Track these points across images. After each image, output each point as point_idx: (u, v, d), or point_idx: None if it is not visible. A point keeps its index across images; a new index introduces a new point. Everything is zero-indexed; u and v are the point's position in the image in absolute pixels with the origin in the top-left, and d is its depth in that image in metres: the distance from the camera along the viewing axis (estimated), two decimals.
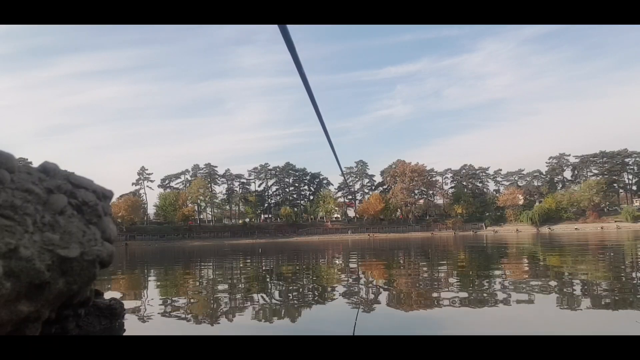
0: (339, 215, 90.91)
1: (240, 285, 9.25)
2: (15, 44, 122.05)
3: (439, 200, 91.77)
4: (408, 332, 4.36)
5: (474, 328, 4.52)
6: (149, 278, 12.42)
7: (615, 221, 70.33)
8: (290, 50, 1.49)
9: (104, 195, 4.42)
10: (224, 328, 4.86)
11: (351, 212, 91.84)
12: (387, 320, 5.14)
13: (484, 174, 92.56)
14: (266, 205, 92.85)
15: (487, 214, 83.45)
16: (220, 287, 9.14)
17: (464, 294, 6.75)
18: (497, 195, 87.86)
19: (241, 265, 16.34)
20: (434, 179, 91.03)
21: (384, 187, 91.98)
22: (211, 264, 17.38)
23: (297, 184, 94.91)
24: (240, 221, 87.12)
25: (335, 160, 2.98)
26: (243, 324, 5.02)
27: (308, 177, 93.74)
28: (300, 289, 8.18)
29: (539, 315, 5.03)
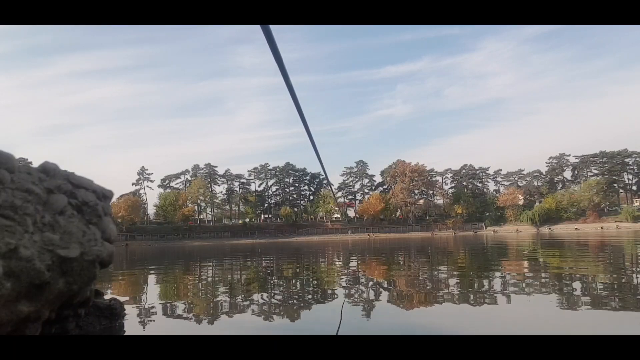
0: (338, 215, 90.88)
1: (239, 286, 9.24)
2: (13, 43, 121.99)
3: (439, 201, 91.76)
4: (396, 333, 4.35)
5: (472, 328, 4.51)
6: (149, 278, 12.42)
7: (615, 221, 70.29)
8: (274, 51, 1.49)
9: (104, 195, 4.42)
10: (223, 328, 4.86)
11: (351, 212, 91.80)
12: (378, 320, 5.13)
13: (484, 174, 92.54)
14: (266, 205, 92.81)
15: (487, 214, 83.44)
16: (220, 287, 9.14)
17: (464, 294, 6.75)
18: (497, 195, 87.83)
19: (241, 265, 16.34)
20: (434, 179, 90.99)
21: (384, 187, 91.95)
22: (211, 264, 17.37)
23: (297, 184, 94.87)
24: (240, 221, 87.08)
25: (320, 162, 2.97)
26: (239, 324, 5.02)
27: (308, 177, 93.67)
28: (299, 290, 8.18)
29: (539, 315, 5.03)
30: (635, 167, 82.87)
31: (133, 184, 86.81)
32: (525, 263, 12.78)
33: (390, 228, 79.42)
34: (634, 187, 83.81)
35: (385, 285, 8.43)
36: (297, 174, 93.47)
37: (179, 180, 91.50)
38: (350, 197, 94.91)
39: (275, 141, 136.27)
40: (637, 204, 79.24)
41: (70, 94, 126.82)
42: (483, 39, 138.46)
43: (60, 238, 3.43)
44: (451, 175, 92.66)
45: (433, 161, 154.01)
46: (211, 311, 6.09)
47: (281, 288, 8.45)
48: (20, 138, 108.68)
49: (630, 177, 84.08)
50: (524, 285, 7.46)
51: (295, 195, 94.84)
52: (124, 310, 5.15)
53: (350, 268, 13.38)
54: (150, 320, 5.37)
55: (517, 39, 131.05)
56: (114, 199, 5.43)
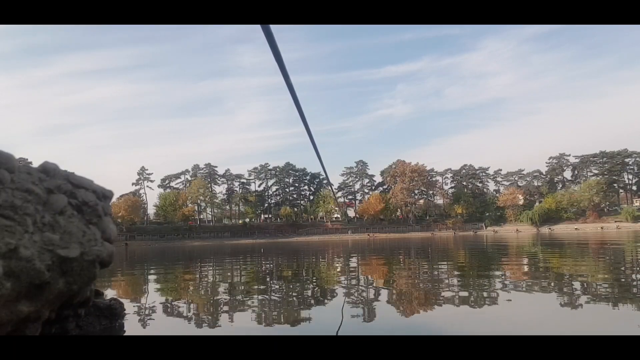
0: (338, 215, 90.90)
1: (240, 286, 9.24)
2: (13, 42, 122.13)
3: (439, 200, 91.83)
4: (396, 333, 4.35)
5: (472, 328, 4.51)
6: (149, 278, 12.42)
7: (615, 221, 70.32)
8: (274, 51, 1.49)
9: (104, 195, 4.42)
10: (223, 328, 4.86)
11: (351, 212, 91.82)
12: (379, 320, 5.13)
13: (484, 174, 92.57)
14: (266, 205, 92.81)
15: (487, 214, 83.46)
16: (220, 287, 9.13)
17: (463, 294, 6.75)
18: (497, 195, 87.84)
19: (242, 265, 16.34)
20: (434, 179, 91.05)
21: (384, 187, 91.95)
22: (211, 264, 17.37)
23: (297, 184, 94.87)
24: (240, 221, 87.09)
25: (321, 162, 2.98)
26: (240, 324, 5.01)
27: (308, 177, 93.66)
28: (300, 290, 8.18)
29: (538, 315, 5.03)
30: (635, 167, 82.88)
31: (133, 184, 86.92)
32: (526, 263, 12.77)
33: (390, 228, 79.42)
34: (634, 187, 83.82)
35: (386, 285, 8.43)
36: (297, 174, 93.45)
37: (179, 180, 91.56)
38: (350, 197, 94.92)
39: (275, 141, 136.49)
40: (637, 204, 79.25)
41: (70, 94, 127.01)
42: (483, 39, 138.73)
43: (60, 238, 3.43)
44: (451, 175, 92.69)
45: (433, 161, 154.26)
46: (211, 311, 6.09)
47: (282, 288, 8.45)
48: (20, 138, 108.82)
49: (630, 177, 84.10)
50: (523, 284, 7.46)
51: (295, 195, 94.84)
52: (124, 310, 5.15)
53: (351, 268, 13.38)
54: (150, 320, 5.36)
55: (517, 39, 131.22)
56: (114, 199, 5.43)
